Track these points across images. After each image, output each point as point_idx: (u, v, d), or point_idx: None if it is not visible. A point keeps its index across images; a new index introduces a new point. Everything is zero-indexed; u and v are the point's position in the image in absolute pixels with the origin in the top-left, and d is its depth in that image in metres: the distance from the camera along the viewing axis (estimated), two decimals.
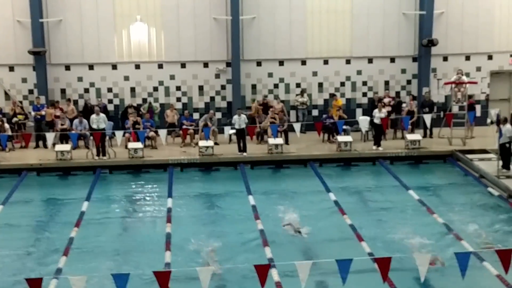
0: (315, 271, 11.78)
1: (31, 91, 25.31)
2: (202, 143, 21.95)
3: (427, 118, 22.50)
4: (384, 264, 10.17)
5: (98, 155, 21.67)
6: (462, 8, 26.08)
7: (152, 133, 22.91)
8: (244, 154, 22.07)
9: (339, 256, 10.87)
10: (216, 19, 25.44)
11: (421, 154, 22.10)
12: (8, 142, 22.67)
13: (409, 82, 26.53)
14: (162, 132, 21.84)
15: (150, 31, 25.55)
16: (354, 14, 26.01)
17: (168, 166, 21.13)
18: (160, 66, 25.76)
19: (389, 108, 24.53)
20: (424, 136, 23.52)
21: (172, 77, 25.78)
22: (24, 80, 25.35)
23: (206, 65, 25.86)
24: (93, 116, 22.13)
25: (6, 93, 25.27)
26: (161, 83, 25.77)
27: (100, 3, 25.08)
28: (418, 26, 26.08)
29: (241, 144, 22.06)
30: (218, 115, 25.56)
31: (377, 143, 22.55)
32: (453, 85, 23.66)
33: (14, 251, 14.68)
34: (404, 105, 24.96)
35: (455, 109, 24.05)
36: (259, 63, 26.04)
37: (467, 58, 26.41)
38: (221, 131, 22.99)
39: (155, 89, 25.78)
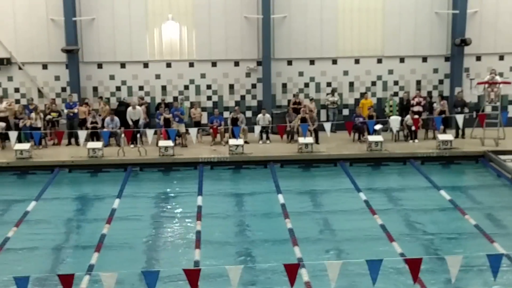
0: (345, 271, 11.75)
1: (63, 89, 25.60)
2: (232, 141, 22.03)
3: (459, 118, 22.28)
4: (415, 265, 10.09)
5: (132, 143, 22.57)
6: (497, 7, 25.76)
7: (182, 130, 23.05)
8: (268, 142, 23.27)
9: (369, 256, 10.82)
10: (247, 18, 25.47)
11: (453, 155, 21.86)
12: (42, 139, 23.01)
13: (441, 82, 26.29)
14: (193, 131, 21.99)
15: (181, 30, 25.66)
16: (386, 13, 25.85)
17: (198, 164, 21.20)
18: (191, 65, 25.86)
19: (420, 108, 24.34)
20: (456, 136, 23.31)
21: (203, 76, 25.88)
22: (57, 78, 25.64)
23: (237, 63, 25.91)
24: (130, 109, 23.27)
25: (39, 91, 25.59)
26: (192, 81, 25.88)
27: (133, 1, 25.26)
28: (451, 25, 25.82)
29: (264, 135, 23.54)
30: (248, 114, 25.61)
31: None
32: (486, 85, 23.41)
33: (46, 247, 14.87)
34: (435, 105, 24.75)
35: (488, 109, 23.80)
36: (290, 62, 26.00)
37: (501, 58, 26.10)
38: (251, 130, 23.06)
39: (186, 87, 25.90)
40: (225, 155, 21.78)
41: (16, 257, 14.08)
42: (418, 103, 24.48)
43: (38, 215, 16.68)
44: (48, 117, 23.92)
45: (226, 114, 25.29)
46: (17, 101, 25.07)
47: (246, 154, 21.84)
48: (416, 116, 23.12)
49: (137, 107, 23.69)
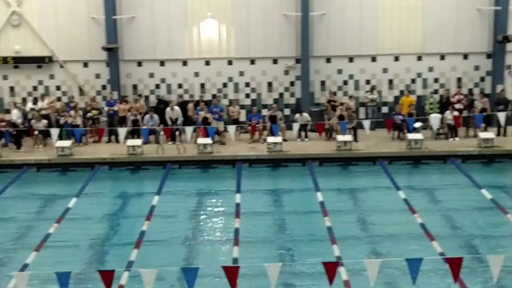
0: (384, 270, 11.68)
1: (104, 87, 25.87)
2: (270, 139, 22.02)
3: (501, 116, 21.95)
4: (455, 264, 9.98)
5: (172, 140, 22.84)
6: None
7: (221, 127, 23.12)
8: (306, 139, 23.43)
9: (409, 255, 10.74)
10: (286, 15, 25.42)
11: (494, 153, 21.55)
12: (83, 137, 23.33)
13: (482, 79, 25.90)
14: (231, 128, 22.06)
15: (220, 28, 25.71)
16: (426, 10, 25.53)
17: (237, 162, 21.24)
18: (230, 63, 25.92)
19: (461, 106, 24.01)
20: (498, 134, 22.95)
21: (241, 74, 25.91)
22: (97, 76, 25.93)
23: (275, 61, 25.88)
24: (168, 110, 23.68)
25: (80, 89, 25.91)
26: (230, 79, 25.93)
27: (172, 0, 25.42)
28: (492, 22, 25.39)
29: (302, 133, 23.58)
30: (287, 111, 25.57)
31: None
32: None
33: (87, 243, 15.07)
34: (476, 102, 24.41)
35: None
36: (328, 60, 25.88)
37: None
38: (289, 128, 23.03)
39: (225, 85, 25.95)
40: (264, 153, 21.80)
41: (57, 253, 14.30)
42: (459, 101, 24.17)
43: (78, 212, 16.89)
44: (89, 114, 24.21)
45: (264, 112, 25.27)
46: (59, 99, 25.42)
47: (285, 151, 21.81)
48: (456, 113, 22.85)
49: (175, 107, 23.91)
